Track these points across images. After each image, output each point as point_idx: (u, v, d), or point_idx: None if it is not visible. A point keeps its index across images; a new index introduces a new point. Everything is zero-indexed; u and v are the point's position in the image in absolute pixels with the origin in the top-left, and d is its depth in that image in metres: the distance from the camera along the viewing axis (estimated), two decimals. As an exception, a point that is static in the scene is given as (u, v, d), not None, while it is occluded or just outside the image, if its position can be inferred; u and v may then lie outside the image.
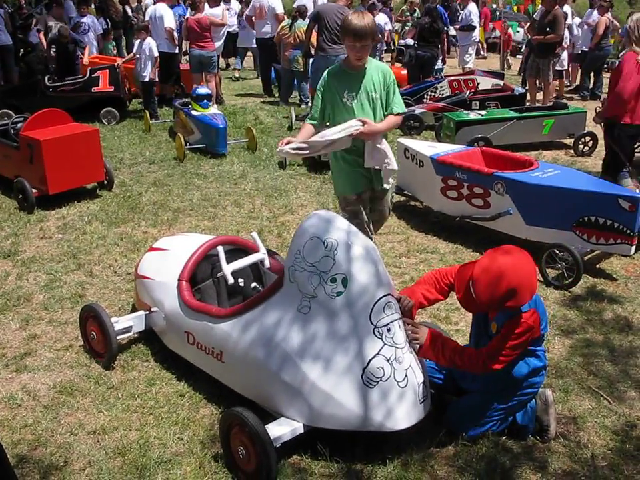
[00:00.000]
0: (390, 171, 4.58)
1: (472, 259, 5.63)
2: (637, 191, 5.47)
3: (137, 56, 10.65)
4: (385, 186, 4.69)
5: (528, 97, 11.28)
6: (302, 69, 11.70)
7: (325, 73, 4.52)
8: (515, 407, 3.42)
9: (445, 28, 12.40)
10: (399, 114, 4.56)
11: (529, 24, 13.55)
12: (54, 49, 10.92)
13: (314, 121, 4.51)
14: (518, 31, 20.08)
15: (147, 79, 10.60)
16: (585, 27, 13.58)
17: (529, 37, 13.17)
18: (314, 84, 10.32)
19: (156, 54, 10.50)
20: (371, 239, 4.07)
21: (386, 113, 4.52)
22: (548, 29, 10.63)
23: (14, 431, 3.55)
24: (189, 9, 11.87)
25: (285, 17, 12.51)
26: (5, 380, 4.02)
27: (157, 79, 10.77)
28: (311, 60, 11.16)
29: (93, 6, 15.64)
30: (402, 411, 3.16)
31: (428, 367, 3.52)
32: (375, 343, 3.13)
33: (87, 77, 10.91)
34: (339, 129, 4.28)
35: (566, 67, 13.90)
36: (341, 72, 4.47)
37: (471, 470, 3.24)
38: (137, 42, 11.04)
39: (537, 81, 11.61)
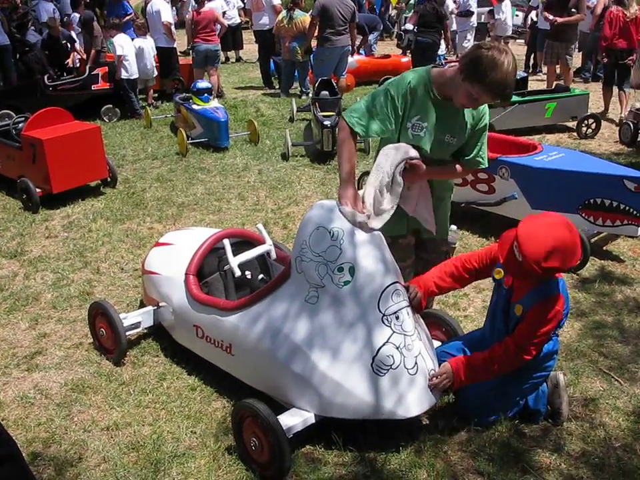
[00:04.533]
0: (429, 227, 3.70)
1: (478, 245, 5.64)
2: None
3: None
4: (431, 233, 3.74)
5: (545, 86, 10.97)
6: (303, 60, 11.67)
7: (404, 82, 3.36)
8: (527, 391, 3.41)
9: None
10: (476, 166, 3.62)
11: (529, 9, 13.42)
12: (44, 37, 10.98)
13: (362, 130, 3.38)
14: (517, 15, 19.94)
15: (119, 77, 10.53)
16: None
17: (540, 21, 12.95)
18: (318, 74, 10.34)
19: (118, 52, 10.38)
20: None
21: (461, 160, 3.57)
22: (574, 9, 10.16)
23: (28, 429, 3.57)
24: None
25: (282, 8, 12.47)
26: (17, 379, 4.04)
27: (128, 77, 10.59)
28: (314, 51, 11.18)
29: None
30: (413, 398, 3.15)
31: (440, 351, 3.51)
32: (383, 330, 3.13)
33: (86, 74, 10.91)
34: (389, 162, 3.33)
35: None
36: (425, 93, 3.35)
37: (485, 455, 3.25)
38: (136, 39, 11.02)
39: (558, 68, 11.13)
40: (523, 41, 16.16)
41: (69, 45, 12.11)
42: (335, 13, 10.20)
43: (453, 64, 11.64)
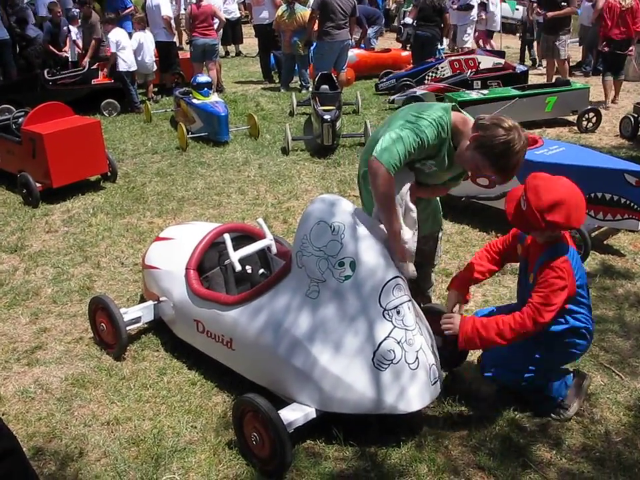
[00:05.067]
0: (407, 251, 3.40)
1: (478, 239, 5.64)
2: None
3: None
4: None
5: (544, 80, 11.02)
6: (303, 54, 11.65)
7: (436, 133, 3.24)
8: (555, 365, 3.38)
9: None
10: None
11: (530, 3, 13.43)
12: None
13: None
14: (517, 9, 19.87)
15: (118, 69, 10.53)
16: (586, 2, 13.42)
17: (530, 16, 13.06)
18: (318, 67, 10.33)
19: (113, 49, 10.39)
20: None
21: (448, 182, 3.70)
22: (563, 3, 10.29)
23: (28, 424, 3.57)
24: None
25: (282, 2, 12.43)
26: (18, 374, 4.04)
27: (127, 69, 10.57)
28: (314, 44, 11.16)
29: None
30: (414, 393, 3.15)
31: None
32: (384, 325, 3.12)
33: (86, 69, 10.89)
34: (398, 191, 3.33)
35: None
36: (445, 144, 3.32)
37: (485, 449, 3.25)
38: (135, 33, 11.00)
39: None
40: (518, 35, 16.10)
41: (69, 29, 12.14)
42: (335, 6, 10.20)
43: (451, 57, 11.66)
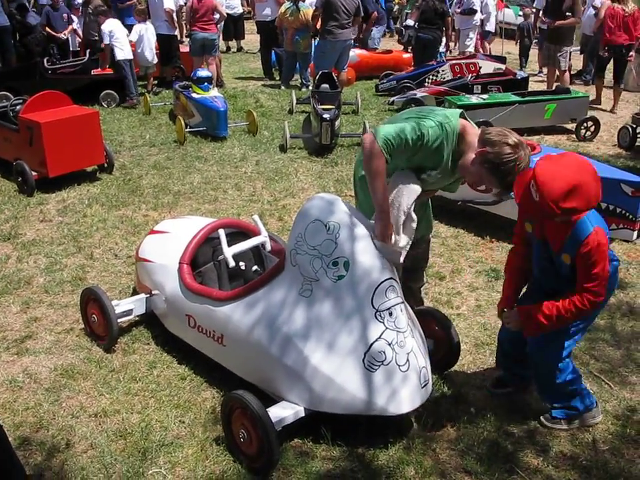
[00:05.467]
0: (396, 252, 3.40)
1: (473, 244, 5.64)
2: None
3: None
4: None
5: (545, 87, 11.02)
6: (305, 51, 11.63)
7: (440, 139, 3.27)
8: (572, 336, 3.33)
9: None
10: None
11: (536, 11, 13.50)
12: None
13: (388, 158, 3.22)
14: (520, 15, 19.88)
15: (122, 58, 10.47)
16: (591, 10, 13.41)
17: (536, 24, 13.12)
18: (319, 66, 10.32)
19: (106, 41, 10.32)
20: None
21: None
22: (568, 13, 10.30)
23: (16, 413, 3.55)
24: None
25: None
26: (6, 363, 4.02)
27: (125, 57, 10.49)
28: (316, 42, 11.15)
29: None
30: (404, 395, 3.15)
31: None
32: (376, 326, 3.12)
33: (86, 59, 10.85)
34: (404, 201, 3.36)
35: None
36: (450, 152, 3.34)
37: (473, 454, 3.25)
38: (136, 25, 10.96)
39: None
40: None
41: (69, 17, 12.11)
42: (339, 6, 10.18)
43: (452, 61, 11.66)
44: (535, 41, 15.05)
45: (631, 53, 10.22)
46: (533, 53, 15.62)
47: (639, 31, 10.01)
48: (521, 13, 19.06)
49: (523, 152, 3.08)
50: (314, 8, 11.04)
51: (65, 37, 12.18)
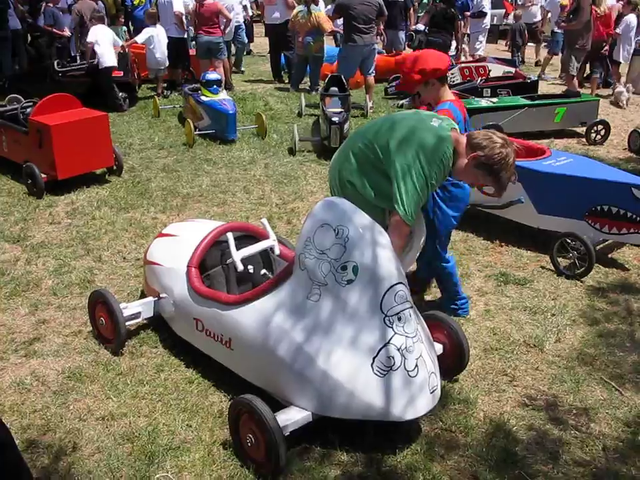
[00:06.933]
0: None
1: (482, 248, 5.62)
2: None
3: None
4: None
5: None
6: (317, 54, 11.60)
7: (443, 169, 3.40)
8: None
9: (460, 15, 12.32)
10: None
11: (546, 12, 13.65)
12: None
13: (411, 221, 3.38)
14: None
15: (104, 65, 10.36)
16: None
17: (544, 24, 13.26)
18: (342, 72, 10.31)
19: (90, 39, 10.23)
20: None
21: None
22: (571, 15, 10.51)
23: (23, 415, 3.55)
24: None
25: (295, 3, 12.42)
26: (15, 365, 4.02)
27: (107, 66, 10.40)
28: (339, 49, 11.17)
29: None
30: (412, 400, 3.12)
31: None
32: (385, 331, 3.10)
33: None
34: (420, 239, 3.62)
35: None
36: (446, 170, 3.46)
37: (482, 460, 3.22)
38: (146, 28, 10.98)
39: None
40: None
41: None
42: (358, 12, 10.10)
43: (462, 64, 11.63)
44: (529, 43, 15.71)
45: (605, 48, 12.07)
46: (529, 53, 15.82)
47: (612, 30, 11.78)
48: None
49: (510, 148, 3.36)
50: (328, 14, 11.04)
51: (70, 35, 12.20)
